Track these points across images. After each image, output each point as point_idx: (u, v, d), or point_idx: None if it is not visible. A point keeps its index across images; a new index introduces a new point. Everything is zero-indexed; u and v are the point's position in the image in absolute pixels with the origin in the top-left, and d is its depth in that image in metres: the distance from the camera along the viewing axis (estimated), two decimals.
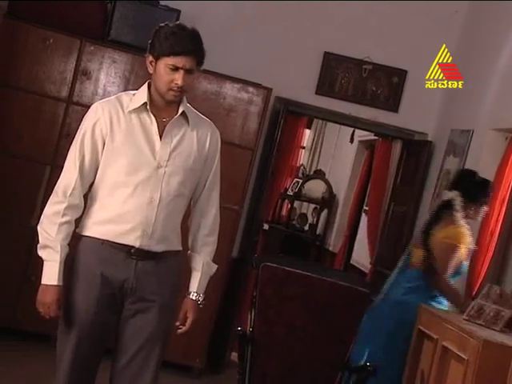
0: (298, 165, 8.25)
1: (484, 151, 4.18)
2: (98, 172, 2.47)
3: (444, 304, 3.47)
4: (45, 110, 4.52)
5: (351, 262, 6.92)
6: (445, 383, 2.87)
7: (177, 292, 2.55)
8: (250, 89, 4.68)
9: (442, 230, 3.52)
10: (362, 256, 6.44)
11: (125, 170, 2.43)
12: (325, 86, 5.05)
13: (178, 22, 2.56)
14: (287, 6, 4.98)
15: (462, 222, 3.52)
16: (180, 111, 2.49)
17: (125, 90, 2.65)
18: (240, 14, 4.97)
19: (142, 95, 2.47)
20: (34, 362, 4.14)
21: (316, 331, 3.24)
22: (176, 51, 2.37)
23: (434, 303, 3.44)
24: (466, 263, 3.58)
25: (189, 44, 2.39)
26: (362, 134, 6.68)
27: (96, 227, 2.45)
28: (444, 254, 3.47)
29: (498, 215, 3.94)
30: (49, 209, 2.45)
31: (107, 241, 2.44)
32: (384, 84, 5.06)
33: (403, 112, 5.09)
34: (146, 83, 2.50)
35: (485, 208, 3.62)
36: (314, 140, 8.77)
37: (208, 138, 2.56)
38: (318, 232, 8.06)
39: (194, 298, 2.56)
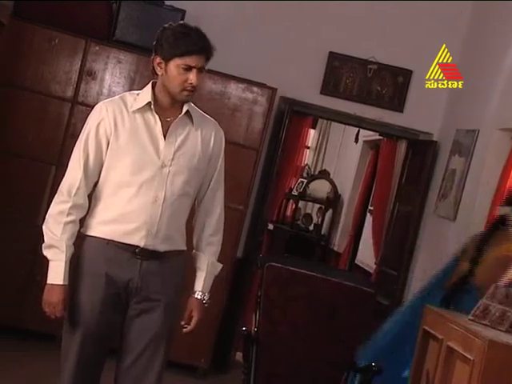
0: (302, 165, 8.25)
1: (489, 151, 4.16)
2: (102, 172, 2.47)
3: None
4: (50, 110, 4.53)
5: (356, 262, 6.92)
6: None
7: (181, 291, 2.56)
8: (255, 89, 4.68)
9: (497, 247, 3.43)
10: (366, 256, 6.44)
11: (129, 170, 2.43)
12: (330, 86, 5.04)
13: (181, 22, 2.57)
14: (293, 5, 4.98)
15: None
16: (184, 110, 2.49)
17: (130, 90, 2.65)
18: (245, 14, 4.97)
19: (146, 95, 2.48)
20: (38, 362, 4.15)
21: (321, 331, 3.24)
22: (189, 51, 2.38)
23: None
24: None
25: (201, 43, 2.40)
26: (366, 134, 6.68)
27: (100, 227, 2.46)
28: (502, 267, 3.37)
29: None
30: (53, 208, 2.45)
31: (112, 241, 2.44)
32: (389, 84, 5.06)
33: (408, 112, 5.08)
34: (150, 83, 2.50)
35: None
36: (318, 140, 8.76)
37: (212, 138, 2.56)
38: (322, 232, 8.06)
39: (199, 297, 2.56)
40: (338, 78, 5.04)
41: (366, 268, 6.35)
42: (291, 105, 4.98)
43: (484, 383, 2.59)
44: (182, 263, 2.55)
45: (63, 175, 2.49)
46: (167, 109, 2.49)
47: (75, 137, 2.55)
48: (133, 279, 2.45)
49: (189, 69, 2.40)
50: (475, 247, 3.40)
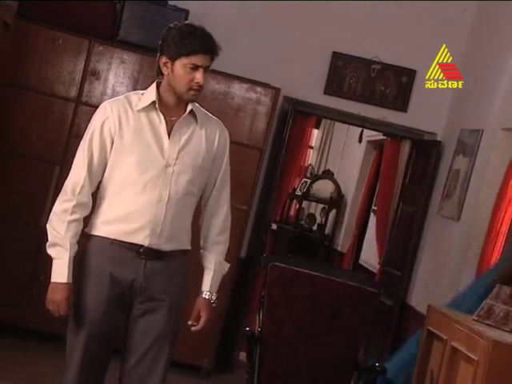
0: (306, 165, 8.24)
1: (493, 151, 4.16)
2: (106, 171, 2.47)
3: None
4: (54, 110, 4.54)
5: (360, 262, 6.91)
6: None
7: (185, 291, 2.55)
8: (259, 89, 4.68)
9: None
10: (370, 256, 6.43)
11: (133, 169, 2.44)
12: (333, 86, 5.04)
13: (187, 22, 2.57)
14: (296, 5, 4.97)
15: None
16: (188, 110, 2.49)
17: (133, 90, 2.65)
18: (249, 14, 4.97)
19: (150, 94, 2.48)
20: (39, 362, 4.16)
21: (324, 331, 3.24)
22: (195, 50, 2.38)
23: None
24: None
25: (207, 42, 2.41)
26: (370, 134, 6.67)
27: (105, 226, 2.46)
28: None
29: (504, 216, 3.92)
30: (57, 207, 2.45)
31: (116, 240, 2.44)
32: (393, 84, 5.05)
33: (412, 112, 5.07)
34: (155, 83, 2.51)
35: None
36: (322, 140, 8.76)
37: (217, 137, 2.56)
38: (326, 232, 8.06)
39: (207, 297, 2.56)
40: (341, 77, 5.03)
41: (370, 268, 6.34)
42: (295, 105, 4.98)
43: (488, 383, 2.59)
44: (185, 263, 2.55)
45: (67, 175, 2.50)
46: (172, 108, 2.49)
47: (79, 137, 2.55)
48: (137, 279, 2.45)
49: (195, 68, 2.40)
50: None
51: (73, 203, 2.43)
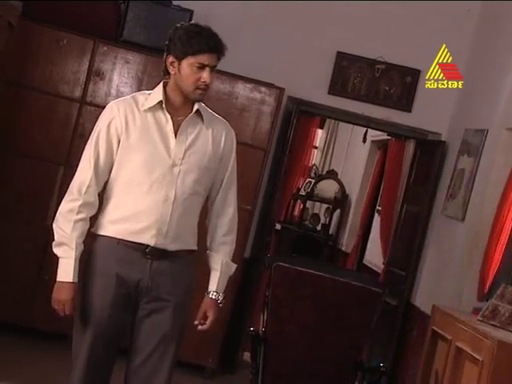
0: (310, 165, 8.24)
1: (498, 151, 4.15)
2: (113, 170, 2.48)
3: None
4: (58, 110, 4.54)
5: (364, 262, 6.90)
6: None
7: (191, 292, 2.55)
8: (263, 89, 4.68)
9: None
10: (374, 256, 6.42)
11: (140, 169, 2.44)
12: (337, 86, 5.04)
13: (193, 22, 2.58)
14: (300, 5, 4.97)
15: None
16: (194, 109, 2.49)
17: (138, 91, 2.67)
18: (253, 14, 4.97)
19: (157, 94, 2.48)
20: (43, 361, 4.17)
21: (328, 331, 3.24)
22: (202, 49, 2.39)
23: None
24: None
25: (213, 41, 2.42)
26: (374, 134, 6.66)
27: (111, 226, 2.46)
28: None
29: (509, 216, 3.91)
30: (64, 206, 2.46)
31: (122, 240, 2.44)
32: (397, 84, 5.04)
33: (416, 112, 5.06)
34: (162, 83, 2.51)
35: None
36: (326, 140, 8.75)
37: (223, 137, 2.56)
38: (330, 232, 8.05)
39: (213, 297, 2.56)
40: (345, 77, 5.03)
41: (374, 268, 6.33)
42: (299, 105, 4.97)
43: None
44: (191, 263, 2.55)
45: (72, 175, 2.50)
46: (178, 108, 2.49)
47: (83, 137, 2.56)
48: (143, 279, 2.45)
49: (202, 67, 2.41)
50: None
51: (79, 203, 2.43)
